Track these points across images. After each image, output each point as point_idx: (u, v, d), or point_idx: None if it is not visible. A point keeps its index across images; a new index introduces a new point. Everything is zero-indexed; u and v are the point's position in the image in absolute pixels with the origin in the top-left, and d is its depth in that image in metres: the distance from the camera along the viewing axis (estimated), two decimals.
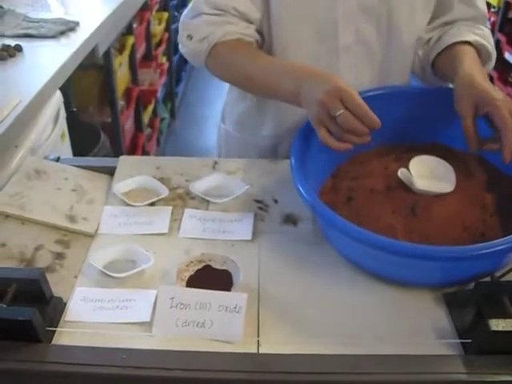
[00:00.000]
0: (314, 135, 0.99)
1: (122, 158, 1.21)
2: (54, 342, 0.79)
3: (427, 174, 0.94)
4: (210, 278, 0.89)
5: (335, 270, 0.92)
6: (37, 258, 0.94)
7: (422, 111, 1.10)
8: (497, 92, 0.94)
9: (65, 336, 0.79)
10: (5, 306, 0.77)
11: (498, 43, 3.40)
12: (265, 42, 1.18)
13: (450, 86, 1.15)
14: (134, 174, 1.13)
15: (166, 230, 1.00)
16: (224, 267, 0.91)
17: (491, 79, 3.50)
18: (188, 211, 1.05)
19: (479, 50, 1.12)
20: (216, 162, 1.19)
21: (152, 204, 1.07)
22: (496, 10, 3.45)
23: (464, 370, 0.75)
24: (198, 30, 1.13)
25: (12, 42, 1.76)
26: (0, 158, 1.26)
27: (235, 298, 0.81)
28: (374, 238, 0.79)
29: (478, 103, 0.94)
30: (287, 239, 0.99)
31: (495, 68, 3.46)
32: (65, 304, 0.85)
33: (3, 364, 0.75)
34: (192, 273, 0.90)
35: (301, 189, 0.88)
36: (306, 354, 0.77)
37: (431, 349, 0.78)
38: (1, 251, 0.95)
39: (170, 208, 1.06)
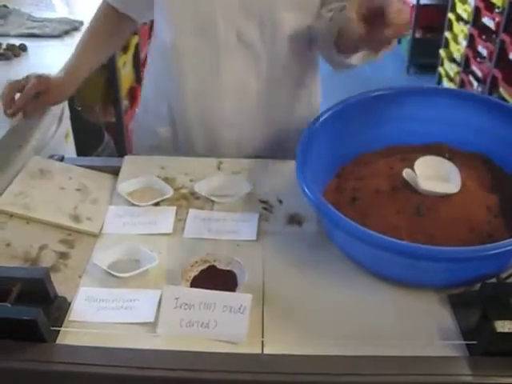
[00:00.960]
0: (320, 136, 1.00)
1: (126, 157, 1.21)
2: (58, 341, 0.78)
3: (432, 174, 0.94)
4: (215, 278, 0.89)
5: (340, 270, 0.91)
6: (41, 257, 0.94)
7: (427, 112, 1.10)
8: None
9: (69, 336, 0.79)
10: (9, 305, 0.76)
11: (502, 43, 3.38)
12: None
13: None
14: (139, 173, 1.13)
15: (170, 230, 1.00)
16: (229, 267, 0.91)
17: (495, 79, 3.49)
18: (192, 211, 1.05)
19: None
20: (221, 162, 1.19)
21: (156, 204, 1.07)
22: (500, 10, 3.44)
23: (469, 372, 0.74)
24: None
25: (17, 42, 1.77)
26: (4, 158, 1.25)
27: (240, 298, 0.81)
28: (378, 239, 0.79)
29: None
30: (292, 239, 0.98)
31: (500, 68, 3.45)
32: (69, 304, 0.85)
33: (8, 363, 0.75)
34: (196, 273, 0.89)
35: (305, 189, 0.88)
36: (311, 354, 0.77)
37: (436, 350, 0.78)
38: (5, 251, 0.95)
39: (175, 208, 1.06)
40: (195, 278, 0.89)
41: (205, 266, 0.91)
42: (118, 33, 1.35)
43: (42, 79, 1.19)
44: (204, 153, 1.26)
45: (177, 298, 0.82)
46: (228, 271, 0.91)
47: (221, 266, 0.91)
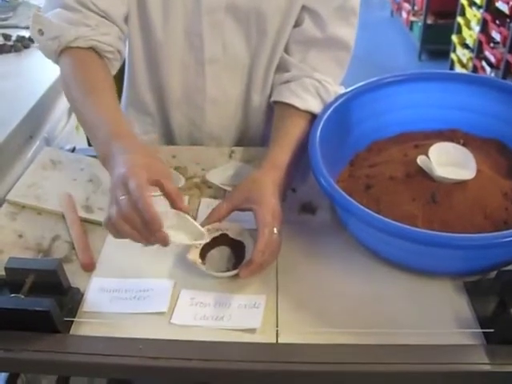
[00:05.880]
0: (332, 123, 0.98)
1: None
2: (72, 332, 0.79)
3: (447, 161, 0.93)
4: (225, 246, 0.91)
5: (354, 258, 0.91)
6: (54, 248, 0.94)
7: (440, 98, 1.08)
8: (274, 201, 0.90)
9: (83, 326, 0.79)
10: (23, 296, 0.77)
11: None
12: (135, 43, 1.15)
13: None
14: None
15: None
16: (239, 238, 0.92)
17: (509, 64, 3.45)
18: (205, 200, 1.04)
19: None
20: (232, 151, 1.18)
21: None
22: None
23: (486, 360, 0.74)
24: (50, 26, 1.00)
25: (26, 34, 1.76)
26: (16, 149, 1.26)
27: (254, 298, 0.83)
28: (394, 227, 0.78)
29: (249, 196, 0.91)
30: (305, 228, 0.98)
31: None
32: (82, 294, 0.85)
33: (22, 354, 0.75)
34: (208, 240, 0.88)
35: (319, 177, 0.87)
36: (326, 343, 0.77)
37: (452, 338, 0.77)
38: (18, 242, 0.95)
39: (187, 197, 1.05)
40: (206, 244, 0.90)
41: (217, 234, 0.92)
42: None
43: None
44: None
45: (192, 298, 0.84)
46: (238, 241, 0.91)
47: (232, 235, 0.92)
